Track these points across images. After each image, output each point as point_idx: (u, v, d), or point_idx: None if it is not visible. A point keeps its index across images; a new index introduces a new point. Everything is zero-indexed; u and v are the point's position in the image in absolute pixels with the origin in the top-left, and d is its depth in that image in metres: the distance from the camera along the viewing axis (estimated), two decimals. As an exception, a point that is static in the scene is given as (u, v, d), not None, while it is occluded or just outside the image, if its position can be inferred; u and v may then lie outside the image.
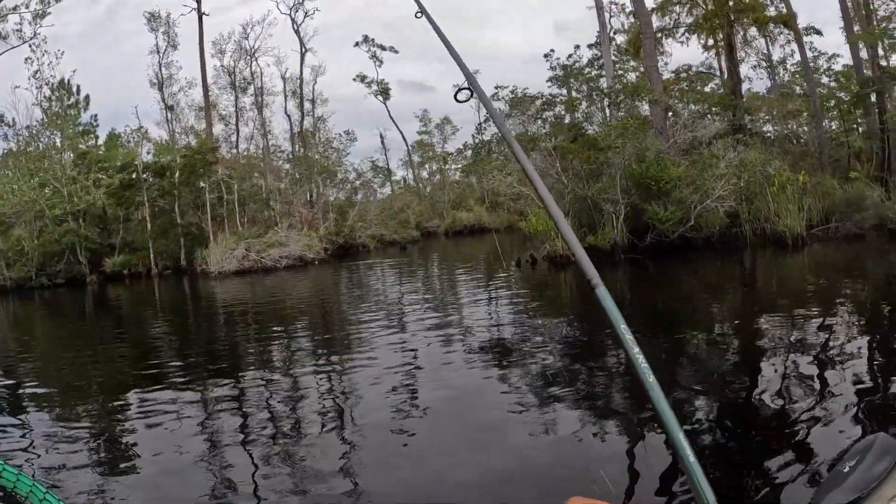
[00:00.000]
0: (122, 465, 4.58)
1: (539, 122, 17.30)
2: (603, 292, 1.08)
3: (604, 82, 18.48)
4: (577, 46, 31.58)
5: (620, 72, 23.61)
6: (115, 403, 6.44)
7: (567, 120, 17.53)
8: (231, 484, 4.03)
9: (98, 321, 14.76)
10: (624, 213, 15.20)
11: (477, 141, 27.13)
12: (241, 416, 5.55)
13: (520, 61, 71.41)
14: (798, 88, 27.11)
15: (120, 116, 60.92)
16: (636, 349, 0.90)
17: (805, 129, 26.16)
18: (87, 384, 7.49)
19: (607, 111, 18.02)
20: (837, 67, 25.29)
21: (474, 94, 1.65)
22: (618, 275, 13.95)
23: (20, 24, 35.35)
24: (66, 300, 20.27)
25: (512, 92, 23.21)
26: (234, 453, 4.57)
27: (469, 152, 40.59)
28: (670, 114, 19.12)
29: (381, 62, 43.78)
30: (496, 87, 33.92)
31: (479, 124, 36.94)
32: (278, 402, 6.02)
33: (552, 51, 37.37)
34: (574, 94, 25.15)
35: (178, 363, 8.40)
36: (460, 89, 1.64)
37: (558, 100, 17.72)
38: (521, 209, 22.66)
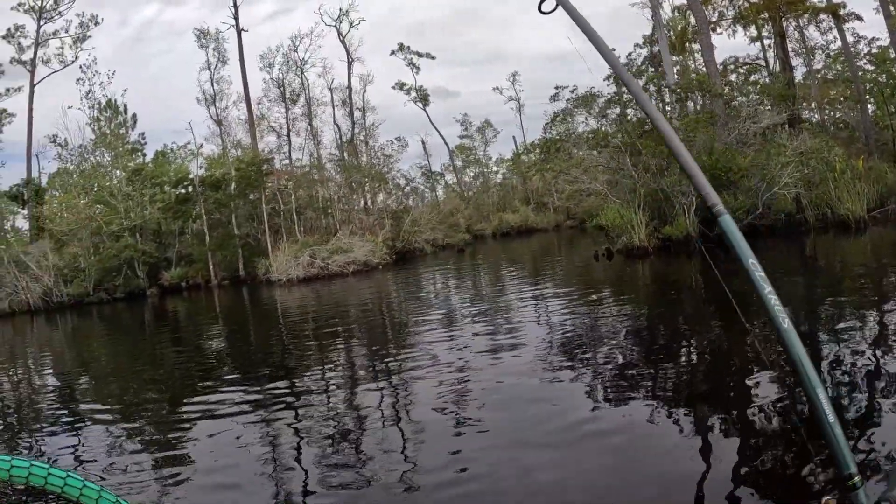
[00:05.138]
0: (182, 473, 4.61)
1: (603, 119, 17.93)
2: (727, 220, 0.92)
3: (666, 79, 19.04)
4: (637, 45, 32.20)
5: (678, 68, 23.83)
6: (177, 410, 6.58)
7: (629, 117, 18.11)
8: (290, 489, 4.13)
9: (160, 332, 15.02)
10: (695, 204, 15.79)
11: (547, 137, 27.56)
12: (301, 423, 5.54)
13: (545, 58, 72.32)
14: (835, 73, 27.43)
15: (158, 134, 62.08)
16: (768, 288, 0.72)
17: (844, 114, 26.60)
18: (148, 394, 7.59)
19: (666, 106, 18.56)
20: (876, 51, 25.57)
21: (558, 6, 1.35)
22: (694, 262, 14.60)
23: (61, 48, 36.69)
24: (127, 313, 20.72)
25: (572, 91, 23.89)
26: (292, 458, 4.68)
27: (536, 151, 40.58)
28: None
29: (419, 69, 44.83)
30: (556, 88, 34.97)
31: (547, 124, 37.32)
32: (339, 407, 6.01)
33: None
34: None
35: (241, 370, 8.50)
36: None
37: (617, 98, 18.32)
38: (568, 208, 23.23)
